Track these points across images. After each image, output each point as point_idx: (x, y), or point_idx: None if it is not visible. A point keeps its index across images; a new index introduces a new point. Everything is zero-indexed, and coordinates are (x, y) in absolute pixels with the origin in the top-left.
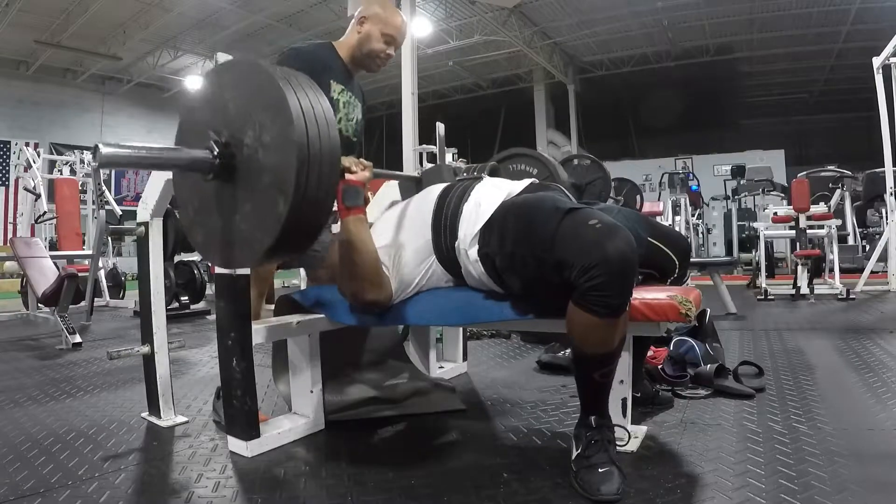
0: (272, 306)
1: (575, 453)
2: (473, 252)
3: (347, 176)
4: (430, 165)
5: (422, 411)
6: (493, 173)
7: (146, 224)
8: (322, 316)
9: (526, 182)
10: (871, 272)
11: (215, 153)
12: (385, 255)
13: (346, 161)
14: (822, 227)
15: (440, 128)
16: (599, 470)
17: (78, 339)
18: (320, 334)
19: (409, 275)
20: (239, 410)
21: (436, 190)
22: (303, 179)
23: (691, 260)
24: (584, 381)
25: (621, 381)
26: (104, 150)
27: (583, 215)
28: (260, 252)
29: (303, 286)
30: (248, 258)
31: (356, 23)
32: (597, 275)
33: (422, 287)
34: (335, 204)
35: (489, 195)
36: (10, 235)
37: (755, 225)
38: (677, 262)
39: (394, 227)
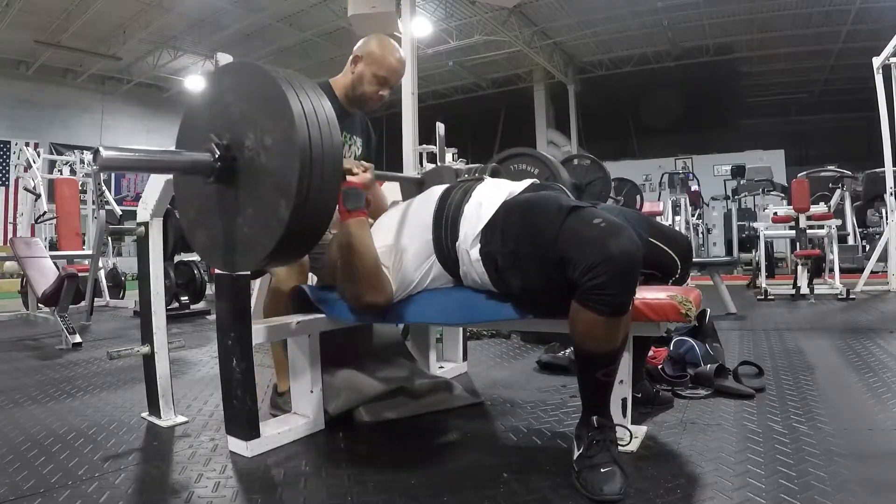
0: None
1: (577, 453)
2: (475, 252)
3: (349, 178)
4: (430, 166)
5: (441, 408)
6: (495, 174)
7: (146, 224)
8: (322, 316)
9: (527, 182)
10: (871, 272)
11: (216, 156)
12: (386, 256)
13: (347, 163)
14: (822, 227)
15: (440, 128)
16: (602, 470)
17: (78, 339)
18: (326, 334)
19: (410, 275)
20: (239, 410)
21: (437, 191)
22: (305, 182)
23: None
24: (587, 381)
25: (621, 381)
26: (105, 153)
27: (586, 214)
28: (262, 255)
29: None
30: (251, 261)
31: (350, 61)
32: (600, 273)
33: (422, 287)
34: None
35: (491, 195)
36: (10, 235)
37: (755, 225)
38: (679, 263)
39: (395, 228)
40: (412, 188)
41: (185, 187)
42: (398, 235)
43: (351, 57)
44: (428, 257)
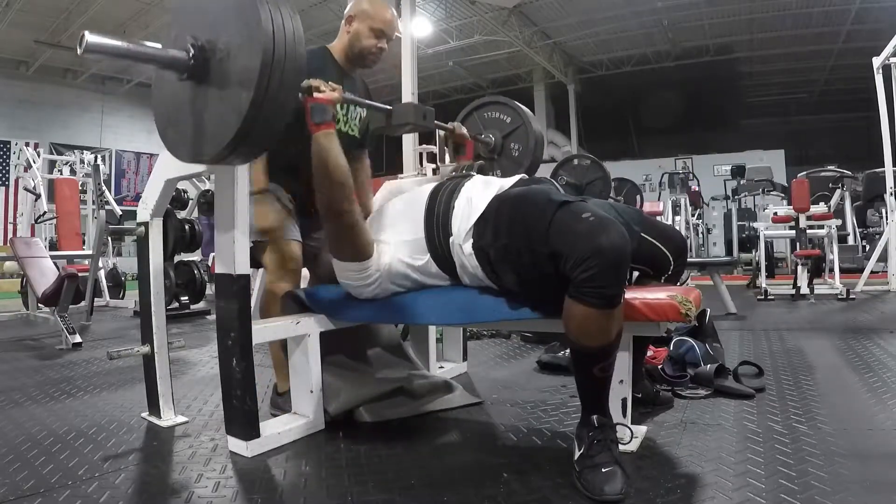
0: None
1: (577, 453)
2: (468, 246)
3: (316, 95)
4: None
5: (441, 408)
6: (482, 171)
7: (146, 224)
8: (322, 316)
9: (516, 177)
10: (871, 272)
11: (191, 54)
12: (374, 233)
13: (315, 81)
14: (822, 227)
15: None
16: (603, 470)
17: (78, 339)
18: (326, 334)
19: (400, 267)
20: (239, 410)
21: (426, 188)
22: (265, 79)
23: (691, 260)
24: (585, 378)
25: (621, 381)
26: (90, 38)
27: (576, 208)
28: (222, 144)
29: (302, 285)
30: (214, 149)
31: (344, 23)
32: (591, 266)
33: (417, 285)
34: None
35: (480, 191)
36: (10, 235)
37: (755, 225)
38: (671, 259)
39: (385, 222)
40: (380, 117)
41: (162, 89)
42: (390, 231)
43: (343, 19)
44: (422, 255)
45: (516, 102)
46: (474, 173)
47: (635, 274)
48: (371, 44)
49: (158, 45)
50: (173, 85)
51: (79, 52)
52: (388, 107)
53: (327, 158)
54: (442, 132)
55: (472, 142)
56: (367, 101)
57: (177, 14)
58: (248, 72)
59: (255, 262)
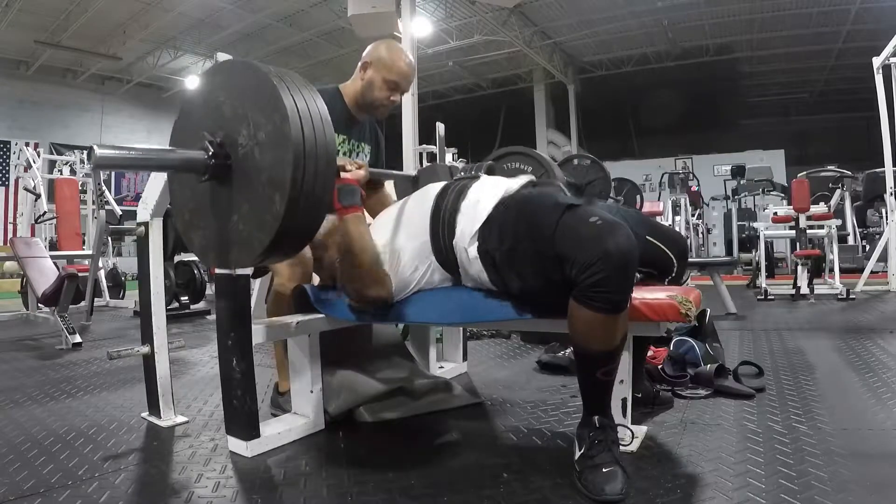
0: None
1: (578, 453)
2: (473, 250)
3: (342, 175)
4: (428, 165)
5: (441, 408)
6: (490, 172)
7: (146, 224)
8: (322, 316)
9: (523, 179)
10: (871, 272)
11: (210, 153)
12: (383, 256)
13: (341, 160)
14: (822, 227)
15: (440, 128)
16: (603, 470)
17: (78, 339)
18: (326, 334)
19: (408, 277)
20: (239, 410)
21: (433, 189)
22: (299, 175)
23: (691, 260)
24: (587, 380)
25: (621, 381)
26: (99, 151)
27: (583, 212)
28: (259, 251)
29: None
30: (247, 258)
31: (360, 68)
32: (598, 271)
33: (421, 287)
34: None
35: (487, 193)
36: (10, 235)
37: (755, 225)
38: (675, 262)
39: (391, 228)
40: (406, 186)
41: (180, 188)
42: (395, 236)
43: (360, 63)
44: (426, 258)
45: (537, 151)
46: (482, 174)
47: (638, 276)
48: (383, 96)
49: (170, 148)
50: (193, 187)
51: (88, 167)
52: (413, 173)
53: (356, 244)
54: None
55: None
56: (393, 172)
57: (185, 108)
58: (279, 169)
59: (256, 272)
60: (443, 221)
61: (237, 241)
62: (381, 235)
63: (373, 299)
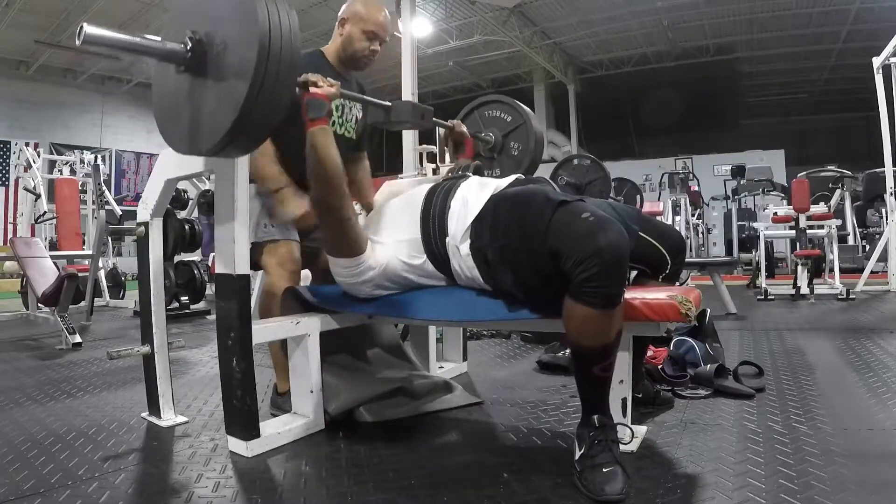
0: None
1: (578, 453)
2: (465, 247)
3: (312, 90)
4: (431, 166)
5: (441, 408)
6: (478, 172)
7: (146, 224)
8: (322, 316)
9: (512, 177)
10: (871, 272)
11: (189, 47)
12: (371, 233)
13: (312, 76)
14: (822, 227)
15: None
16: (604, 470)
17: (78, 339)
18: (327, 335)
19: (397, 266)
20: (239, 410)
21: (422, 189)
22: (261, 71)
23: (691, 260)
24: (585, 378)
25: (621, 381)
26: (89, 29)
27: (574, 208)
28: (220, 134)
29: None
30: (210, 141)
31: (337, 25)
32: (591, 266)
33: (414, 284)
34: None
35: (476, 191)
36: (10, 235)
37: (755, 225)
38: (669, 259)
39: (382, 223)
40: (379, 113)
41: (161, 83)
42: (386, 231)
43: (337, 21)
44: (419, 256)
45: (517, 101)
46: (470, 174)
47: (633, 273)
48: (363, 46)
49: (158, 38)
50: (172, 79)
51: (77, 43)
52: (388, 103)
53: (321, 153)
54: (442, 131)
55: (472, 140)
56: (367, 98)
57: (176, 11)
58: (244, 64)
59: (254, 265)
60: (433, 222)
61: (203, 128)
62: (373, 231)
63: (335, 207)
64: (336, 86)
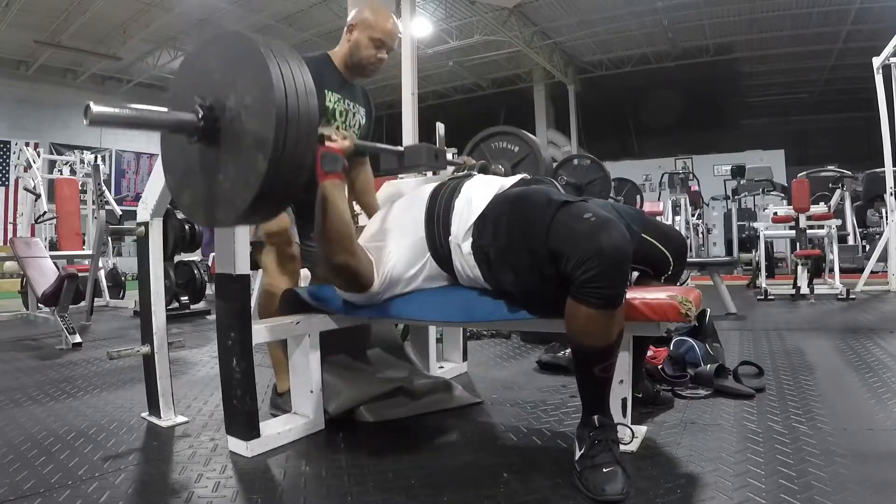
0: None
1: (578, 453)
2: (467, 245)
3: (327, 143)
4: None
5: (441, 408)
6: (483, 171)
7: (146, 224)
8: (322, 316)
9: (517, 177)
10: (871, 272)
11: (200, 116)
12: (373, 248)
13: (327, 130)
14: (822, 227)
15: (440, 128)
16: (604, 470)
17: (78, 339)
18: (327, 334)
19: (401, 272)
20: (239, 410)
21: (427, 189)
22: (281, 138)
23: (691, 260)
24: (586, 378)
25: (621, 381)
26: (95, 108)
27: (576, 209)
28: (242, 208)
29: (302, 285)
30: (231, 215)
31: (346, 31)
32: (592, 266)
33: (416, 285)
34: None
35: (480, 190)
36: (10, 235)
37: (755, 225)
38: (671, 260)
39: (387, 227)
40: (392, 160)
41: (171, 150)
42: (390, 234)
43: (345, 27)
44: (422, 255)
45: (523, 131)
46: (475, 173)
47: (635, 274)
48: (371, 54)
49: (164, 109)
50: (184, 148)
51: (85, 123)
52: (400, 149)
53: (331, 209)
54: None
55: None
56: (380, 146)
57: (180, 74)
58: (262, 131)
59: (253, 264)
60: (437, 220)
61: (222, 199)
62: (376, 233)
63: (342, 266)
64: (350, 138)
